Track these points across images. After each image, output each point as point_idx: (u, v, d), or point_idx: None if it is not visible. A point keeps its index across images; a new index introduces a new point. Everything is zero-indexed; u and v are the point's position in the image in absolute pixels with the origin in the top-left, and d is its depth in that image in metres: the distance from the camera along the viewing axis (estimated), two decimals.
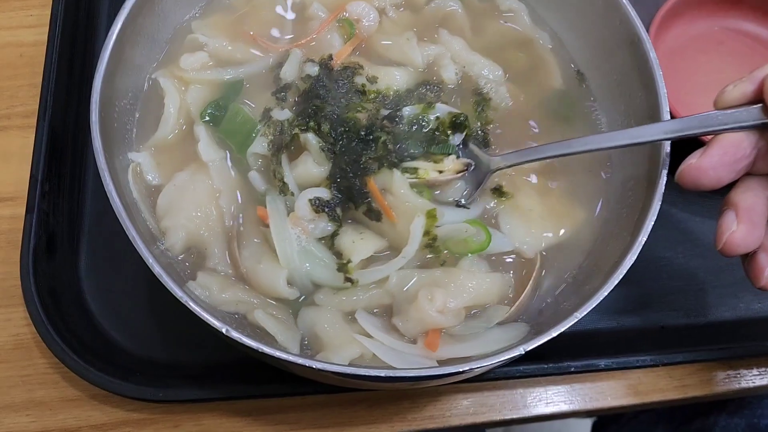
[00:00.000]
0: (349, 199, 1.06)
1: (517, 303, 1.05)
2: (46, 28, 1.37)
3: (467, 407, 1.21)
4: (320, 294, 1.04)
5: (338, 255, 1.05)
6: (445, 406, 1.20)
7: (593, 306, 0.94)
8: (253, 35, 1.22)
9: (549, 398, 1.22)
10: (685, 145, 0.98)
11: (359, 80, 1.15)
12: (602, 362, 1.17)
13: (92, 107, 1.02)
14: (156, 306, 1.22)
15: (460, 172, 1.11)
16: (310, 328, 1.02)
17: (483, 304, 1.05)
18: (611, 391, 1.23)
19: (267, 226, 1.04)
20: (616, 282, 0.95)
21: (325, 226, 1.06)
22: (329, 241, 1.06)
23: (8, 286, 1.24)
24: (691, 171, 0.92)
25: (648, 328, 1.27)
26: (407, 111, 1.12)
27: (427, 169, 1.09)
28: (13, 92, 1.41)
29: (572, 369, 1.17)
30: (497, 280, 1.06)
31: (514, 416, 1.21)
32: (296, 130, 1.07)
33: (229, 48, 1.20)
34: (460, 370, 0.90)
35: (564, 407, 1.22)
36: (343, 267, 1.03)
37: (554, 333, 0.93)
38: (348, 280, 1.03)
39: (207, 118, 1.15)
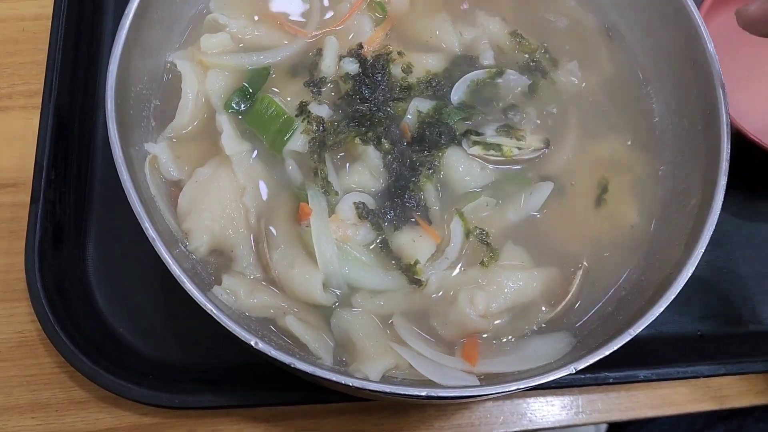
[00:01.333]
0: (398, 214, 1.00)
1: (562, 303, 0.99)
2: (50, 1, 1.28)
3: (497, 416, 1.15)
4: (357, 297, 0.97)
5: (396, 257, 0.99)
6: (474, 414, 1.15)
7: (649, 322, 0.88)
8: (278, 18, 1.13)
9: (582, 407, 1.17)
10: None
11: (396, 72, 1.07)
12: (641, 374, 1.12)
13: (107, 93, 0.94)
14: (170, 303, 1.14)
15: (538, 149, 1.07)
16: (344, 332, 0.95)
17: (526, 303, 0.99)
18: (647, 400, 1.18)
19: (302, 224, 0.97)
20: (674, 296, 0.89)
21: (367, 233, 0.99)
22: (382, 244, 1.00)
23: (11, 279, 1.17)
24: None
25: (686, 335, 1.21)
26: (473, 75, 1.09)
27: (511, 147, 1.04)
28: (15, 70, 1.32)
29: (610, 380, 1.11)
30: (541, 275, 1.00)
31: (546, 426, 1.15)
32: (354, 139, 1.00)
33: (254, 31, 1.12)
34: (508, 390, 0.84)
35: (598, 417, 1.17)
36: (410, 269, 0.97)
37: (607, 351, 0.87)
38: (415, 281, 0.96)
39: (233, 108, 1.06)
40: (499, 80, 1.11)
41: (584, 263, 1.02)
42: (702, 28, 1.03)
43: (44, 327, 1.07)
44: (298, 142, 1.03)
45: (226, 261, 0.99)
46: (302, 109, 1.05)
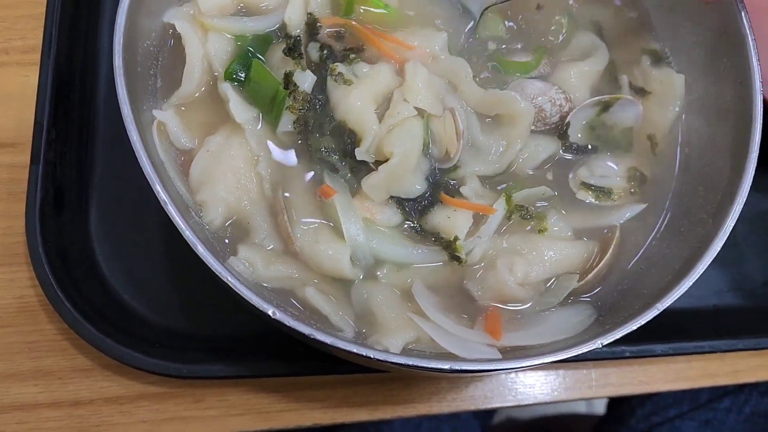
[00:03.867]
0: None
1: (594, 271, 0.97)
2: None
3: (510, 389, 1.14)
4: (382, 270, 0.94)
5: (434, 234, 0.96)
6: (487, 387, 1.13)
7: (677, 296, 0.86)
8: None
9: (596, 381, 1.15)
10: None
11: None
12: (658, 348, 1.10)
13: (116, 48, 0.89)
14: (177, 271, 1.11)
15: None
16: (364, 304, 0.93)
17: (563, 274, 0.98)
18: (661, 374, 1.17)
19: (326, 198, 0.94)
20: (703, 269, 0.87)
21: (393, 213, 0.96)
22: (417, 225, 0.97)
23: (10, 243, 1.12)
24: None
25: (702, 309, 1.19)
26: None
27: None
28: (11, 23, 1.26)
29: (627, 354, 1.10)
30: (580, 248, 0.98)
31: (559, 399, 1.14)
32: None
33: None
34: (532, 364, 0.82)
35: (611, 390, 1.16)
36: (450, 245, 0.94)
37: (634, 326, 0.85)
38: (456, 258, 0.94)
39: (234, 77, 1.00)
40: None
41: (617, 235, 0.99)
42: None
43: (47, 293, 1.03)
44: (286, 122, 0.97)
45: (242, 233, 0.95)
46: (287, 81, 0.97)
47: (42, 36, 1.15)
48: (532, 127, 1.02)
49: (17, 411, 1.06)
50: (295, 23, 1.03)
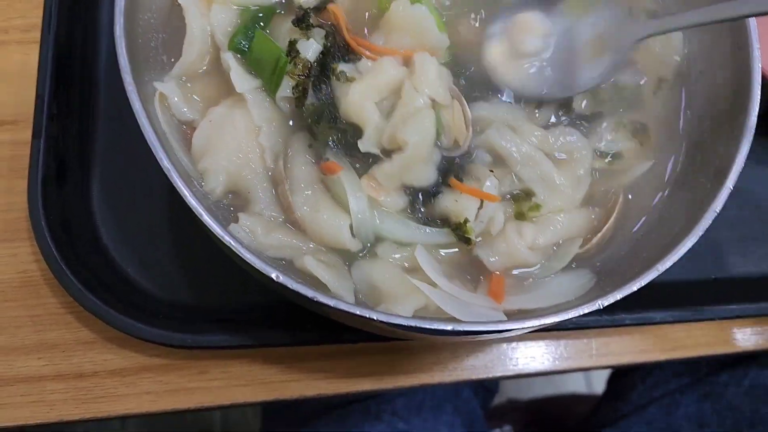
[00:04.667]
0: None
1: (597, 236, 0.98)
2: None
3: (511, 358, 1.15)
4: (383, 247, 0.95)
5: (443, 218, 0.96)
6: (488, 356, 1.14)
7: (677, 258, 0.87)
8: None
9: (596, 350, 1.16)
10: None
11: None
12: (658, 315, 1.11)
13: (116, 18, 0.89)
14: (179, 242, 1.11)
15: None
16: (366, 279, 0.93)
17: (571, 239, 0.98)
18: (660, 343, 1.18)
19: (331, 174, 0.94)
20: (702, 232, 0.88)
21: (399, 198, 0.96)
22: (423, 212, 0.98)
23: (12, 219, 1.13)
24: None
25: (700, 278, 1.20)
26: None
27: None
28: (9, 2, 1.26)
29: (627, 321, 1.11)
30: (587, 213, 0.99)
31: (560, 368, 1.15)
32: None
33: None
34: (534, 325, 0.83)
35: (611, 360, 1.17)
36: (460, 227, 0.94)
37: (635, 287, 0.85)
38: (466, 240, 0.94)
39: (238, 47, 1.00)
40: None
41: (620, 200, 1.00)
42: None
43: (51, 266, 1.03)
44: (286, 87, 0.97)
45: (243, 202, 0.96)
46: (291, 48, 0.98)
47: (42, 13, 1.15)
48: None
49: (21, 383, 1.07)
50: None
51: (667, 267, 0.86)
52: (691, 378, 1.54)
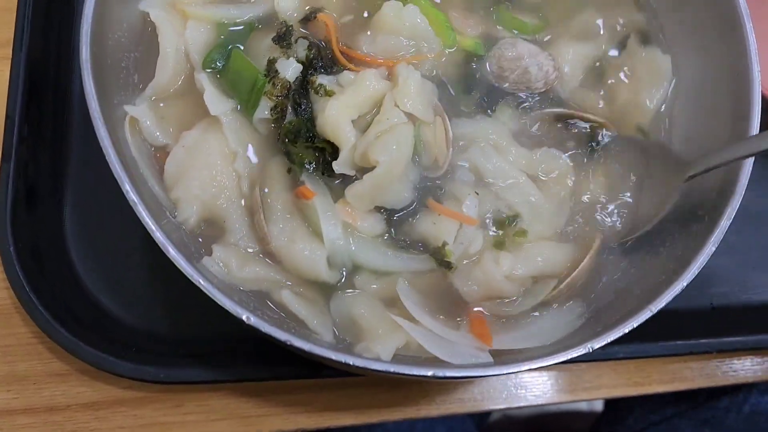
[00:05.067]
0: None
1: (567, 281, 0.92)
2: None
3: (500, 391, 1.10)
4: (360, 278, 0.90)
5: (422, 241, 0.92)
6: (477, 389, 1.09)
7: (671, 298, 0.82)
8: None
9: (589, 382, 1.12)
10: None
11: None
12: (653, 349, 1.07)
13: (82, 40, 0.85)
14: (155, 271, 1.07)
15: None
16: (345, 314, 0.89)
17: (551, 275, 0.94)
18: (657, 375, 1.13)
19: (305, 200, 0.90)
20: (698, 271, 0.83)
21: (376, 222, 0.92)
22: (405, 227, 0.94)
23: None
24: None
25: (698, 307, 1.15)
26: None
27: None
28: None
29: (621, 355, 1.06)
30: (566, 248, 0.95)
31: (552, 401, 1.10)
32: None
33: None
34: (521, 370, 0.78)
35: (604, 392, 1.12)
36: (438, 251, 0.90)
37: (626, 329, 0.81)
38: (446, 264, 0.90)
39: (213, 66, 0.96)
40: None
41: (597, 243, 0.95)
42: None
43: (18, 295, 0.99)
44: (264, 108, 0.93)
45: (218, 232, 0.92)
46: (270, 68, 0.94)
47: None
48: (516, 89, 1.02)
49: None
50: (284, 9, 0.99)
51: (661, 307, 0.82)
52: (689, 403, 1.49)
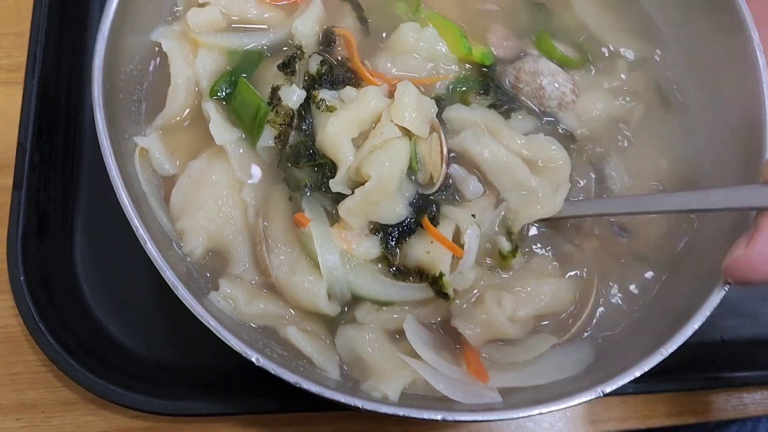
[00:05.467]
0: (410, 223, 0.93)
1: (569, 333, 0.93)
2: None
3: (508, 424, 1.09)
4: (362, 311, 0.90)
5: (417, 270, 0.91)
6: (486, 424, 1.09)
7: (683, 340, 0.82)
8: None
9: (597, 415, 1.11)
10: None
11: None
12: (663, 385, 1.06)
13: (94, 75, 0.86)
14: (164, 301, 1.06)
15: None
16: (350, 349, 0.89)
17: (555, 314, 0.93)
18: (666, 408, 1.12)
19: (302, 227, 0.90)
20: (711, 310, 0.83)
21: (372, 245, 0.91)
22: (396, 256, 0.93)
23: None
24: (739, 266, 0.79)
25: (709, 341, 1.14)
26: None
27: None
28: None
29: (630, 390, 1.05)
30: (570, 286, 0.94)
31: None
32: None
33: (245, 8, 1.02)
34: (530, 414, 0.78)
35: (613, 425, 1.11)
36: (437, 282, 0.88)
37: (637, 372, 0.81)
38: (443, 295, 0.89)
39: (219, 95, 0.97)
40: None
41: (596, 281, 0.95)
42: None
43: (27, 324, 0.99)
44: (267, 137, 0.93)
45: (223, 263, 0.92)
46: (273, 95, 0.94)
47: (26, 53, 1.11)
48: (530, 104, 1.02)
49: None
50: (302, 34, 1.00)
51: (673, 351, 0.81)
52: (697, 430, 1.48)
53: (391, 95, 0.95)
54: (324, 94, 0.93)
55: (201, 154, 0.95)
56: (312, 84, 0.95)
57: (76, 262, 1.08)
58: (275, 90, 0.94)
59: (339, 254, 0.88)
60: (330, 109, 0.92)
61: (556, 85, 1.01)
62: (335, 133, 0.89)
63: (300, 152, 0.93)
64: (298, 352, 0.86)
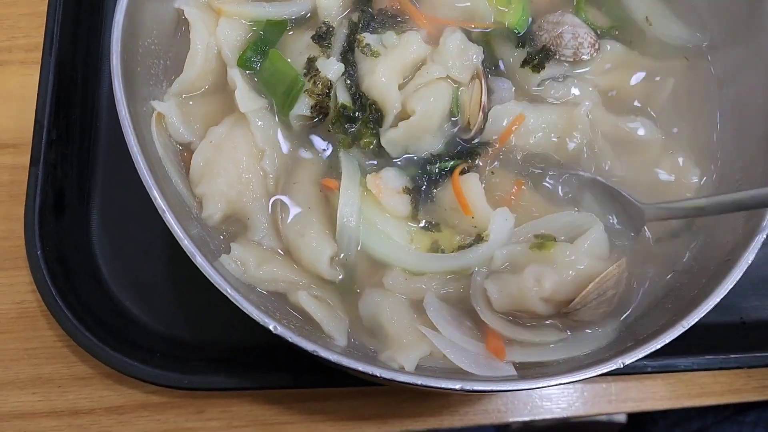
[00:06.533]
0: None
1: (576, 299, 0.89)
2: None
3: (525, 403, 1.09)
4: (390, 278, 0.90)
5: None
6: (501, 400, 1.08)
7: (703, 314, 0.80)
8: None
9: (616, 395, 1.10)
10: None
11: None
12: (681, 363, 1.05)
13: (113, 46, 0.86)
14: (180, 276, 1.07)
15: None
16: (373, 315, 0.88)
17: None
18: (685, 389, 1.11)
19: (331, 190, 0.91)
20: (731, 285, 0.82)
21: (400, 204, 0.92)
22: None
23: (11, 246, 1.09)
24: None
25: (727, 322, 1.13)
26: None
27: None
28: (14, 21, 1.23)
29: (649, 369, 1.04)
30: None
31: (577, 414, 1.09)
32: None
33: None
34: (550, 384, 0.77)
35: (631, 406, 1.10)
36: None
37: (657, 345, 0.80)
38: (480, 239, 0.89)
39: (248, 64, 0.97)
40: None
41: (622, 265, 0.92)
42: None
43: (45, 299, 1.00)
44: (303, 105, 0.94)
45: (241, 229, 0.92)
46: (310, 66, 0.95)
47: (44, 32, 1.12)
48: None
49: (16, 419, 1.03)
50: (326, 6, 1.00)
51: (693, 323, 0.80)
52: (715, 417, 1.46)
53: (433, 40, 0.98)
54: (369, 39, 0.96)
55: (222, 120, 0.95)
56: (354, 27, 0.98)
57: (93, 238, 1.09)
58: (311, 61, 0.96)
59: (359, 209, 0.90)
60: (374, 54, 0.95)
61: (575, 35, 1.01)
62: (384, 80, 0.93)
63: (345, 107, 0.95)
64: (307, 317, 0.86)
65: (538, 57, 1.00)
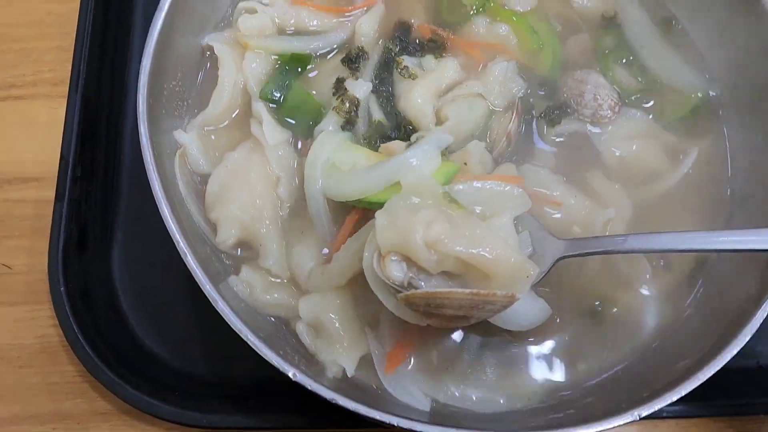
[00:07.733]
0: None
1: None
2: None
3: None
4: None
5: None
6: None
7: (720, 366, 0.81)
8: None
9: None
10: None
11: None
12: (697, 408, 1.04)
13: (140, 91, 0.88)
14: (199, 312, 1.07)
15: None
16: (315, 315, 0.91)
17: (489, 274, 0.80)
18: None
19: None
20: (750, 335, 0.82)
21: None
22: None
23: (33, 280, 1.11)
24: None
25: (745, 366, 1.12)
26: None
27: None
28: (40, 55, 1.26)
29: (664, 414, 1.04)
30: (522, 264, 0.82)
31: None
32: None
33: (294, 15, 1.06)
34: None
35: None
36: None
37: (674, 396, 0.80)
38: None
39: (270, 97, 1.01)
40: None
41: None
42: None
43: (66, 335, 1.01)
44: (329, 122, 0.97)
45: (253, 255, 0.95)
46: (338, 86, 0.99)
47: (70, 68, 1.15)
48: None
49: None
50: (364, 33, 1.04)
51: (710, 375, 0.80)
52: None
53: (469, 68, 1.03)
54: (407, 61, 1.01)
55: (238, 146, 0.98)
56: (391, 49, 1.03)
57: (115, 274, 1.10)
58: (340, 81, 1.00)
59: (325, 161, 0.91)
60: (412, 77, 0.99)
61: (595, 96, 1.02)
62: (420, 101, 0.98)
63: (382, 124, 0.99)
64: (302, 347, 0.91)
65: (556, 112, 1.02)
